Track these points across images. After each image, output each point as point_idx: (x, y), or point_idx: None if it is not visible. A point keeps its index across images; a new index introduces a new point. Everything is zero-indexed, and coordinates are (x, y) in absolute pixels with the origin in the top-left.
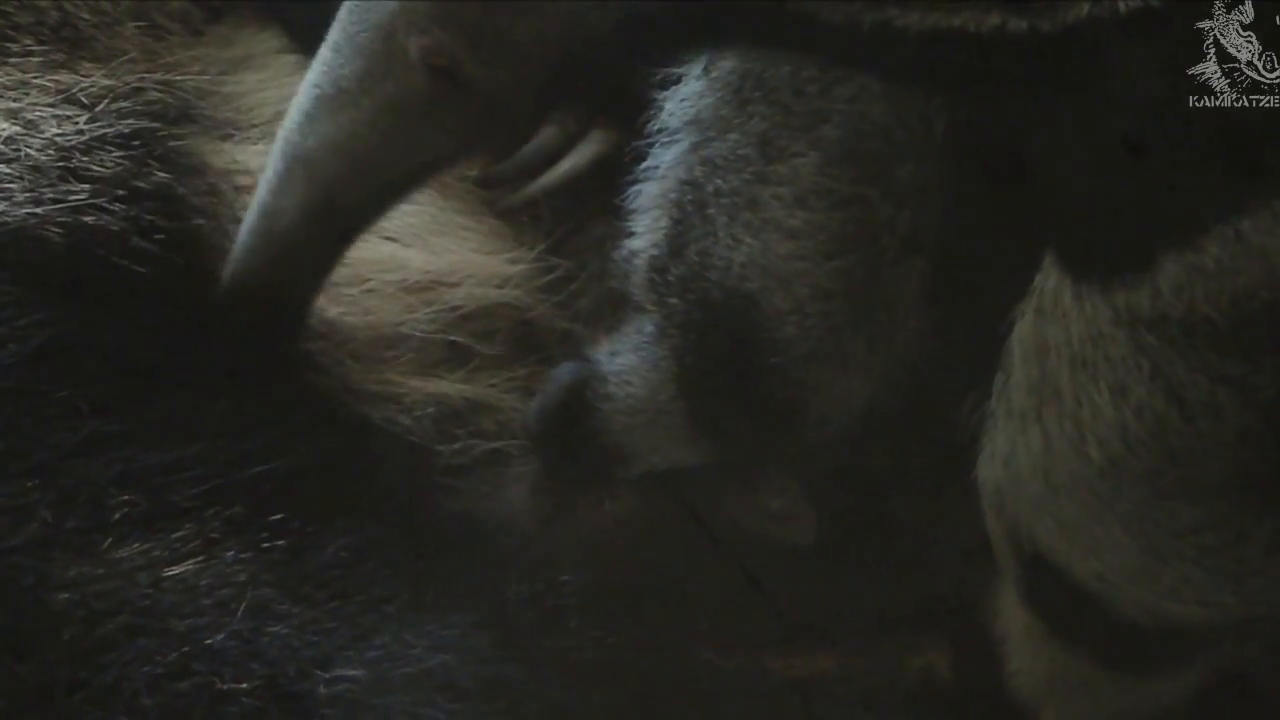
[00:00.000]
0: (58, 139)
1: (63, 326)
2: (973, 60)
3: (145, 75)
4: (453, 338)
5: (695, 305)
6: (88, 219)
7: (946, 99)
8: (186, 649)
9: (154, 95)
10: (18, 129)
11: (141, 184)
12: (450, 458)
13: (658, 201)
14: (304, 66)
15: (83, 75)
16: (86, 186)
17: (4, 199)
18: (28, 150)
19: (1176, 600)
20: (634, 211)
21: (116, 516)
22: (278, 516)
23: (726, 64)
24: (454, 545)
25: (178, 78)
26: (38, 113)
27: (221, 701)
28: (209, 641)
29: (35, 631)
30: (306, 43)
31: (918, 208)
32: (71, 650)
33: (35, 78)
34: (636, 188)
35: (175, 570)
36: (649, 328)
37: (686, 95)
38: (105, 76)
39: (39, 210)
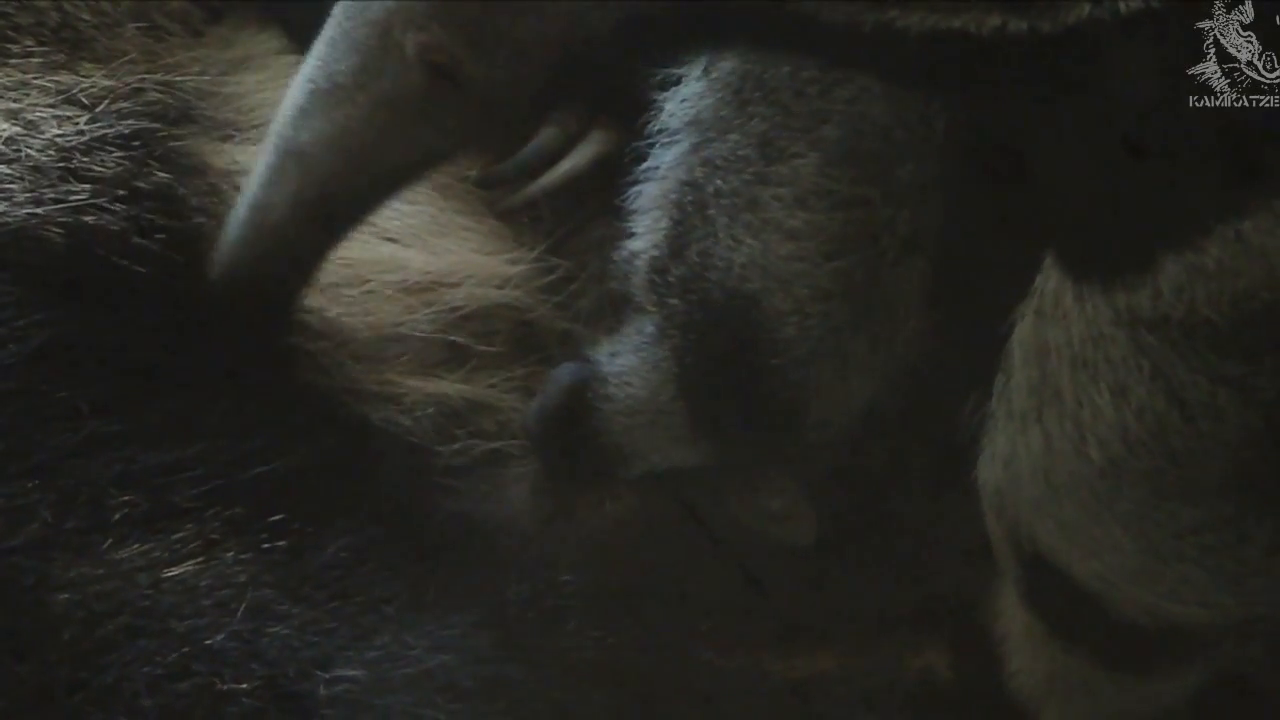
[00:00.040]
0: (58, 139)
1: (63, 326)
2: (973, 61)
3: (145, 76)
4: (453, 338)
5: (696, 306)
6: (88, 219)
7: (947, 100)
8: (186, 650)
9: (154, 96)
10: (18, 129)
11: (142, 184)
12: (450, 458)
13: (658, 202)
14: None
15: (83, 76)
16: (87, 187)
17: (4, 199)
18: (28, 151)
19: (1177, 601)
20: (634, 212)
21: (116, 517)
22: (278, 517)
23: (727, 65)
24: (454, 545)
25: (178, 78)
26: (38, 113)
27: (221, 702)
28: (209, 642)
29: (35, 632)
30: (306, 43)
31: (918, 208)
32: (71, 651)
33: (36, 78)
34: (637, 188)
35: (175, 571)
36: (649, 328)
37: (687, 96)
38: (106, 77)
39: (39, 210)
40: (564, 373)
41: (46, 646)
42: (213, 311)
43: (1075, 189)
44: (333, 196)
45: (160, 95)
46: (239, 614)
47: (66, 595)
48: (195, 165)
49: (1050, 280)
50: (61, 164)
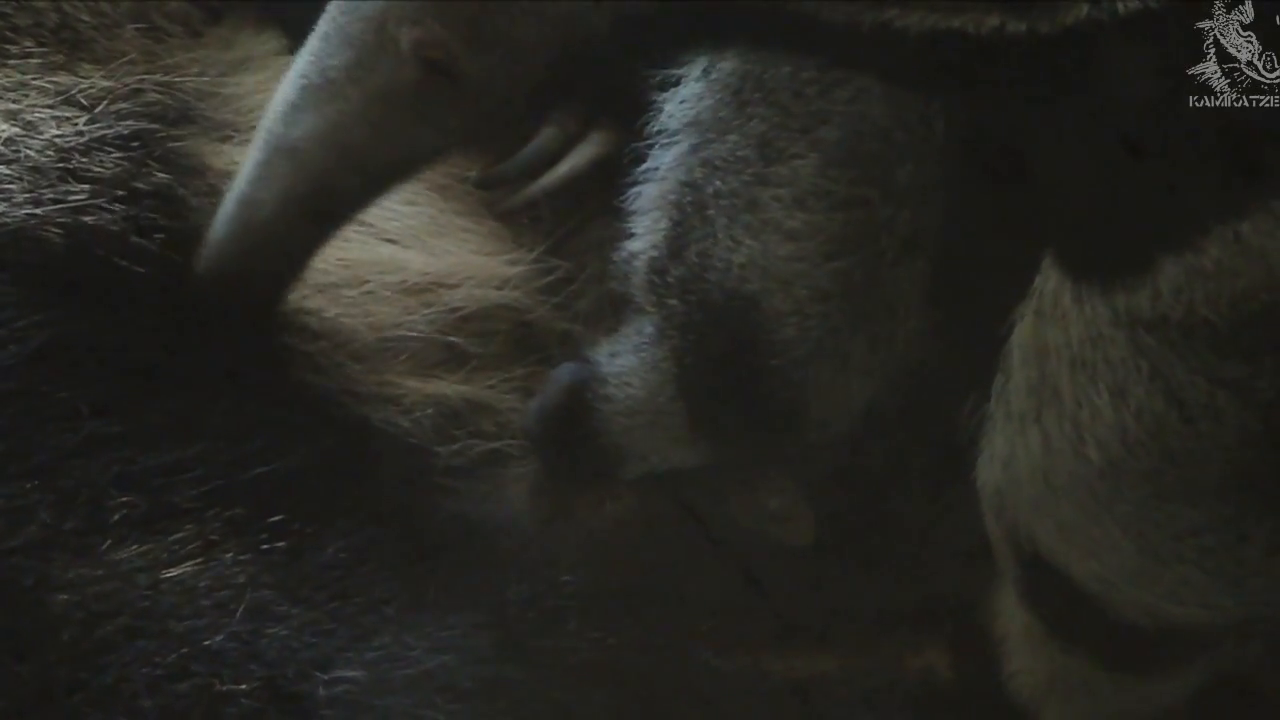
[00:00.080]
0: (57, 140)
1: (62, 327)
2: (973, 62)
3: (145, 77)
4: (452, 339)
5: (695, 307)
6: (87, 219)
7: (946, 100)
8: (186, 650)
9: (153, 97)
10: (17, 130)
11: (141, 185)
12: (449, 458)
13: (657, 203)
14: None
15: (82, 77)
16: (86, 187)
17: (4, 200)
18: (27, 151)
19: (1176, 601)
20: (634, 213)
21: (116, 518)
22: (277, 518)
23: (726, 65)
24: (454, 545)
25: (177, 79)
26: (37, 114)
27: (220, 703)
28: (208, 643)
29: (35, 632)
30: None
31: (918, 209)
32: (71, 651)
33: (35, 79)
34: (636, 189)
35: (174, 571)
36: (649, 329)
37: (686, 97)
38: (105, 78)
39: (39, 211)
40: (563, 373)
41: (46, 647)
42: (212, 312)
43: (1075, 189)
44: (324, 193)
45: (159, 96)
46: (238, 615)
47: (66, 596)
48: (194, 166)
49: (1049, 281)
50: (60, 164)
